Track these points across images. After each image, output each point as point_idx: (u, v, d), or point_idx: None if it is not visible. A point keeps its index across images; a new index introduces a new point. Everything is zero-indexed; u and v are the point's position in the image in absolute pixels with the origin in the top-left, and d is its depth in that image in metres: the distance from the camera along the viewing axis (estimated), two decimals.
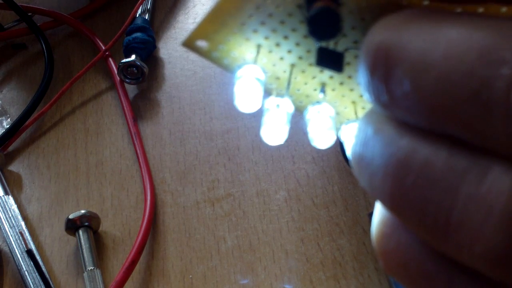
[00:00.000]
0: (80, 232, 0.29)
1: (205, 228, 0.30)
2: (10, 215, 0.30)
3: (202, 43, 0.14)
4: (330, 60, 0.14)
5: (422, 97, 0.10)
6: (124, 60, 0.37)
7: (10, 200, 0.32)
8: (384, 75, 0.11)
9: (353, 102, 0.16)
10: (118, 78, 0.38)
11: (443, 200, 0.10)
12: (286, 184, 0.31)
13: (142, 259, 0.29)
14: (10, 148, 0.36)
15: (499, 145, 0.10)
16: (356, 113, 0.16)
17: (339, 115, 0.16)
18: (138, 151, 0.33)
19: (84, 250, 0.28)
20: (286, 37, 0.14)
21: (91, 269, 0.28)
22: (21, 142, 0.36)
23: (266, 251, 0.29)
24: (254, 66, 0.15)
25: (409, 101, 0.11)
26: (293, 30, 0.14)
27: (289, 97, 0.15)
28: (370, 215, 0.29)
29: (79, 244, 0.29)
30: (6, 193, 0.32)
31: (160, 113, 0.37)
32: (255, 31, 0.14)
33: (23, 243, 0.29)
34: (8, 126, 0.36)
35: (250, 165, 0.33)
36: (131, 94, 0.38)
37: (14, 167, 0.35)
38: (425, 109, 0.10)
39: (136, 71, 0.37)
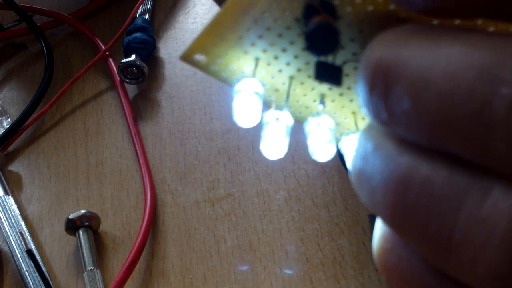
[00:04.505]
0: (80, 232, 0.29)
1: (205, 228, 0.30)
2: (10, 215, 0.30)
3: (200, 57, 0.14)
4: (328, 74, 0.14)
5: (422, 115, 0.10)
6: (124, 60, 0.37)
7: (10, 200, 0.32)
8: (383, 93, 0.11)
9: (353, 113, 0.16)
10: (118, 78, 0.38)
11: (444, 219, 0.10)
12: (286, 184, 0.31)
13: (142, 259, 0.29)
14: (10, 148, 0.36)
15: (500, 164, 0.10)
16: (356, 124, 0.16)
17: (339, 126, 0.16)
18: (138, 151, 0.33)
19: (84, 250, 0.28)
20: (284, 50, 0.14)
21: (91, 269, 0.28)
22: (21, 142, 0.36)
23: (266, 251, 0.29)
24: (253, 80, 0.15)
25: (408, 118, 0.11)
26: (292, 43, 0.14)
27: (288, 110, 0.15)
28: (370, 215, 0.29)
29: (79, 244, 0.29)
30: (6, 193, 0.32)
31: (160, 113, 0.37)
32: (253, 44, 0.14)
33: (23, 243, 0.29)
34: (8, 126, 0.36)
35: (250, 165, 0.33)
36: (131, 94, 0.38)
37: (14, 167, 0.35)
38: (425, 127, 0.10)
39: (136, 71, 0.37)
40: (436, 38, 0.10)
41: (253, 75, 0.15)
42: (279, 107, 0.15)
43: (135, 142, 0.34)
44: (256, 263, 0.28)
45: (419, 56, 0.10)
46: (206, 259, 0.29)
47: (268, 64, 0.15)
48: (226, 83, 0.15)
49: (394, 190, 0.11)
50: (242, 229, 0.30)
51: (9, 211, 0.31)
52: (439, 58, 0.10)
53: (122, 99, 0.37)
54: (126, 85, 0.38)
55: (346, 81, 0.15)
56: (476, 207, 0.10)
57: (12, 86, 0.41)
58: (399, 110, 0.11)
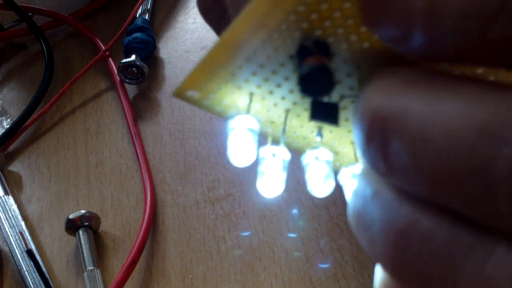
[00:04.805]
0: (80, 232, 0.29)
1: (205, 228, 0.30)
2: (10, 215, 0.30)
3: (193, 93, 0.14)
4: (325, 113, 0.13)
5: (421, 171, 0.10)
6: (124, 60, 0.37)
7: (10, 200, 0.32)
8: (381, 145, 0.11)
9: (352, 143, 0.15)
10: (118, 78, 0.38)
11: (446, 276, 0.10)
12: (286, 184, 0.31)
13: (142, 259, 0.29)
14: (10, 148, 0.36)
15: (504, 224, 0.09)
16: (355, 153, 0.15)
17: (338, 155, 0.16)
18: (138, 151, 0.33)
19: (84, 250, 0.28)
20: (279, 85, 0.14)
21: (91, 269, 0.28)
22: (21, 142, 0.36)
23: (266, 251, 0.29)
24: (247, 117, 0.14)
25: (407, 173, 0.10)
26: (286, 78, 0.14)
27: (284, 143, 0.15)
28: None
29: (79, 244, 0.29)
30: (6, 193, 0.32)
31: (160, 113, 0.37)
32: (246, 80, 0.14)
33: (23, 243, 0.29)
34: (8, 126, 0.36)
35: (250, 165, 0.32)
36: (131, 94, 0.38)
37: (14, 167, 0.35)
38: (424, 183, 0.10)
39: (136, 71, 0.37)
40: (435, 91, 0.10)
41: (248, 111, 0.14)
42: (275, 140, 0.15)
43: (135, 142, 0.34)
44: (256, 263, 0.28)
45: (418, 110, 0.10)
46: (206, 259, 0.29)
47: (263, 99, 0.14)
48: (221, 116, 0.15)
49: (394, 242, 0.11)
50: (242, 229, 0.30)
51: (9, 211, 0.31)
52: (438, 114, 0.10)
53: (122, 99, 0.37)
54: (126, 85, 0.38)
55: (343, 113, 0.14)
56: (479, 266, 0.10)
57: (12, 86, 0.41)
58: (397, 164, 0.10)
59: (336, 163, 0.16)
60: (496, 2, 0.09)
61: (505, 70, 0.11)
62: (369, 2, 0.11)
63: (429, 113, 0.10)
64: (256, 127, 0.14)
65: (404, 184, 0.11)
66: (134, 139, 0.34)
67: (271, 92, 0.14)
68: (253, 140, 0.14)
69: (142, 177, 0.32)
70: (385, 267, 0.11)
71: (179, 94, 0.14)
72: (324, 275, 0.27)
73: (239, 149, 0.14)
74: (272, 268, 0.28)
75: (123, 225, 0.31)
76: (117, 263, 0.29)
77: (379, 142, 0.11)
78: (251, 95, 0.14)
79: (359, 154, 0.12)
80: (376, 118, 0.11)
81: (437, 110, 0.10)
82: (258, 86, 0.14)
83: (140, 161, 0.33)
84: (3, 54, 0.43)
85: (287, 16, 0.12)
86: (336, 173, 0.15)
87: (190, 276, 0.28)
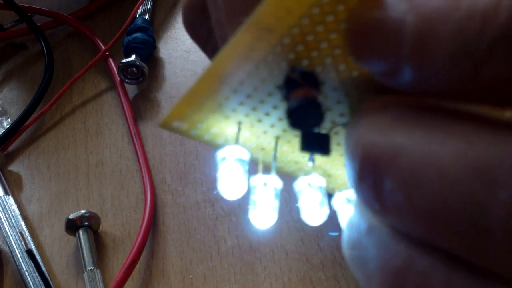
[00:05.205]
0: (80, 232, 0.29)
1: (205, 228, 0.30)
2: (10, 215, 0.30)
3: (179, 124, 0.14)
4: (315, 144, 0.13)
5: (415, 212, 0.10)
6: (124, 60, 0.37)
7: (10, 200, 0.32)
8: (373, 184, 0.10)
9: (345, 165, 0.15)
10: (118, 78, 0.38)
11: None
12: (286, 184, 0.31)
13: (142, 259, 0.29)
14: (10, 148, 0.36)
15: (501, 268, 0.09)
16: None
17: (331, 177, 0.15)
18: (138, 151, 0.33)
19: (84, 250, 0.28)
20: (267, 114, 0.14)
21: (91, 269, 0.28)
22: (21, 142, 0.36)
23: (266, 251, 0.29)
24: (235, 147, 0.14)
25: (401, 213, 0.10)
26: (275, 107, 0.13)
27: (275, 173, 0.14)
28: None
29: (79, 244, 0.29)
30: (6, 193, 0.32)
31: (160, 113, 0.37)
32: (234, 110, 0.13)
33: (23, 243, 0.29)
34: (8, 126, 0.36)
35: (250, 165, 0.32)
36: (131, 94, 0.38)
37: (14, 167, 0.35)
38: (419, 224, 0.10)
39: (136, 71, 0.37)
40: (427, 128, 0.10)
41: (236, 141, 0.14)
42: (267, 166, 0.15)
43: (135, 142, 0.34)
44: (256, 263, 0.28)
45: (410, 148, 0.10)
46: (206, 259, 0.29)
47: (252, 127, 0.14)
48: (210, 145, 0.14)
49: (391, 282, 0.11)
50: (242, 229, 0.30)
51: (9, 211, 0.31)
52: (431, 154, 0.09)
53: (122, 99, 0.37)
54: (126, 85, 0.38)
55: (335, 138, 0.14)
56: None
57: (12, 86, 0.41)
58: (390, 204, 0.10)
59: (330, 185, 0.15)
60: (487, 43, 0.09)
61: (500, 108, 0.10)
62: (356, 36, 0.11)
63: (422, 153, 0.10)
64: (246, 156, 0.14)
65: (398, 224, 0.10)
66: (134, 139, 0.34)
67: (259, 121, 0.14)
68: (242, 171, 0.14)
69: (142, 177, 0.32)
70: None
71: (166, 125, 0.14)
72: (324, 275, 0.27)
73: (229, 183, 0.13)
74: (272, 268, 0.28)
75: (123, 225, 0.31)
76: (117, 263, 0.29)
77: (372, 181, 0.10)
78: (240, 123, 0.14)
79: (352, 188, 0.11)
80: (368, 156, 0.10)
81: (430, 149, 0.10)
82: (246, 115, 0.14)
83: (140, 161, 0.33)
84: (3, 54, 0.43)
85: (272, 48, 0.12)
86: (330, 196, 0.15)
87: (190, 276, 0.28)
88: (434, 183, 0.09)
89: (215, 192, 0.14)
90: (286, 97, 0.12)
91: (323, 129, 0.14)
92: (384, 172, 0.10)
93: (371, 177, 0.10)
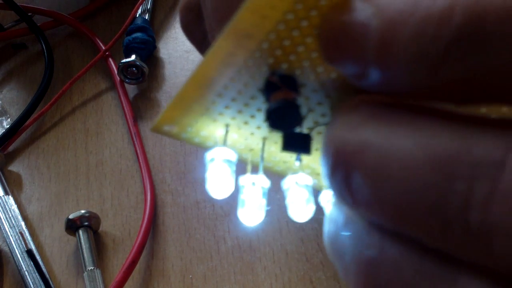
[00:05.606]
0: (80, 232, 0.29)
1: (205, 228, 0.30)
2: (10, 215, 0.30)
3: (170, 128, 0.14)
4: (296, 144, 0.13)
5: (382, 205, 0.10)
6: (124, 60, 0.37)
7: (10, 200, 0.32)
8: (344, 179, 0.11)
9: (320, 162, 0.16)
10: (118, 78, 0.38)
11: None
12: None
13: (142, 259, 0.29)
14: (10, 148, 0.36)
15: (463, 255, 0.10)
16: None
17: (318, 176, 0.16)
18: (138, 151, 0.33)
19: (84, 250, 0.28)
20: (253, 116, 0.14)
21: (91, 269, 0.28)
22: (21, 142, 0.36)
23: (266, 251, 0.29)
24: (223, 149, 0.14)
25: (370, 206, 0.10)
26: (259, 109, 0.14)
27: (263, 172, 0.15)
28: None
29: (79, 244, 0.29)
30: (6, 193, 0.32)
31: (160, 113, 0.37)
32: (221, 113, 0.14)
33: (23, 243, 0.29)
34: (8, 126, 0.36)
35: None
36: (131, 94, 0.38)
37: (14, 167, 0.35)
38: (387, 216, 0.10)
39: (136, 71, 0.37)
40: (393, 124, 0.10)
41: (224, 142, 0.14)
42: (256, 166, 0.15)
43: (135, 142, 0.34)
44: (256, 263, 0.28)
45: (377, 144, 0.10)
46: (206, 259, 0.29)
47: (239, 129, 0.15)
48: (200, 147, 0.15)
49: (365, 272, 0.11)
50: (242, 229, 0.30)
51: (9, 211, 0.31)
52: (395, 148, 0.10)
53: (122, 99, 0.37)
54: (126, 85, 0.38)
55: (319, 138, 0.14)
56: None
57: (12, 86, 0.41)
58: (360, 197, 0.11)
59: (318, 184, 0.16)
60: (442, 46, 0.09)
61: (464, 105, 0.11)
62: (327, 40, 0.11)
63: (387, 147, 0.10)
64: (234, 157, 0.14)
65: (369, 216, 0.11)
66: (134, 139, 0.34)
67: (246, 123, 0.14)
68: (229, 171, 0.14)
69: (142, 177, 0.32)
70: None
71: (157, 129, 0.14)
72: (324, 275, 0.27)
73: (217, 182, 0.14)
74: (272, 268, 0.28)
75: (123, 225, 0.31)
76: (117, 263, 0.29)
77: (343, 175, 0.11)
78: (227, 126, 0.14)
79: (327, 186, 0.12)
80: (338, 152, 0.11)
81: (394, 144, 0.10)
82: (233, 118, 0.14)
83: (140, 161, 0.33)
84: (3, 54, 0.43)
85: (252, 53, 0.12)
86: (318, 193, 0.15)
87: (190, 276, 0.28)
88: (398, 176, 0.10)
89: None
90: (267, 100, 0.13)
91: (307, 129, 0.14)
92: (353, 166, 0.10)
93: (342, 172, 0.11)
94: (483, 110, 0.12)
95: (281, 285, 0.27)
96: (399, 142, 0.10)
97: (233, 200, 0.33)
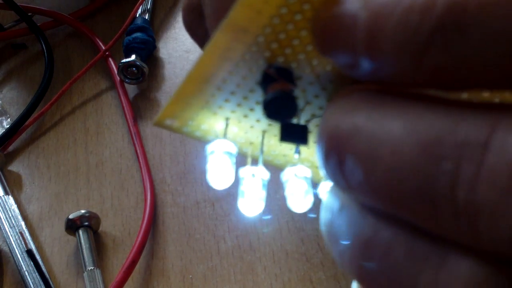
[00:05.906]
0: (80, 232, 0.29)
1: (205, 228, 0.30)
2: (10, 215, 0.30)
3: (171, 122, 0.15)
4: (293, 134, 0.14)
5: (374, 188, 0.11)
6: (124, 60, 0.37)
7: (10, 200, 0.32)
8: (338, 164, 0.11)
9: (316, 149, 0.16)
10: (118, 78, 0.38)
11: (406, 286, 0.11)
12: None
13: (142, 259, 0.29)
14: (10, 148, 0.36)
15: (452, 235, 0.10)
16: None
17: (317, 168, 0.16)
18: (138, 151, 0.33)
19: (84, 250, 0.28)
20: (252, 109, 0.14)
21: (91, 269, 0.28)
22: (21, 142, 0.36)
23: (266, 251, 0.29)
24: (223, 141, 0.15)
25: (363, 189, 0.11)
26: (257, 103, 0.14)
27: (263, 165, 0.15)
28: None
29: (79, 244, 0.29)
30: (6, 193, 0.32)
31: None
32: (220, 107, 0.14)
33: (23, 243, 0.29)
34: (8, 126, 0.36)
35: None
36: (131, 94, 0.38)
37: (14, 167, 0.35)
38: (379, 198, 0.11)
39: (136, 71, 0.37)
40: (383, 109, 0.11)
41: (225, 135, 0.15)
42: (255, 161, 0.15)
43: (135, 142, 0.34)
44: (256, 263, 0.28)
45: (368, 128, 0.11)
46: (206, 259, 0.29)
47: (239, 122, 0.15)
48: (201, 140, 0.15)
49: (359, 254, 0.11)
50: (242, 229, 0.30)
51: (9, 211, 0.31)
52: (385, 132, 0.10)
53: (122, 99, 0.37)
54: (126, 85, 0.38)
55: (316, 131, 0.15)
56: (434, 275, 0.10)
57: (12, 86, 0.41)
58: (353, 181, 0.11)
59: (317, 178, 0.16)
60: (425, 35, 0.09)
61: (451, 92, 0.11)
62: (319, 32, 0.12)
63: (377, 131, 0.10)
64: (234, 150, 0.15)
65: (362, 199, 0.11)
66: (134, 139, 0.34)
67: (246, 116, 0.15)
68: (230, 163, 0.15)
69: (142, 177, 0.32)
70: (355, 278, 0.12)
71: (159, 123, 0.15)
72: (324, 275, 0.27)
73: (217, 173, 0.14)
74: (272, 268, 0.28)
75: (123, 225, 0.31)
76: (117, 263, 0.29)
77: (336, 160, 0.11)
78: (227, 119, 0.15)
79: (322, 171, 0.12)
80: (332, 137, 0.11)
81: (383, 128, 0.10)
82: (233, 111, 0.15)
83: (140, 161, 0.33)
84: (3, 54, 0.43)
85: (248, 47, 0.13)
86: (317, 186, 0.16)
87: (190, 276, 0.28)
88: (388, 159, 0.10)
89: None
90: (264, 92, 0.13)
91: (305, 121, 0.14)
92: (346, 150, 0.11)
93: (335, 156, 0.11)
94: (465, 95, 0.12)
95: (281, 285, 0.27)
96: (389, 126, 0.10)
97: (233, 200, 0.33)
